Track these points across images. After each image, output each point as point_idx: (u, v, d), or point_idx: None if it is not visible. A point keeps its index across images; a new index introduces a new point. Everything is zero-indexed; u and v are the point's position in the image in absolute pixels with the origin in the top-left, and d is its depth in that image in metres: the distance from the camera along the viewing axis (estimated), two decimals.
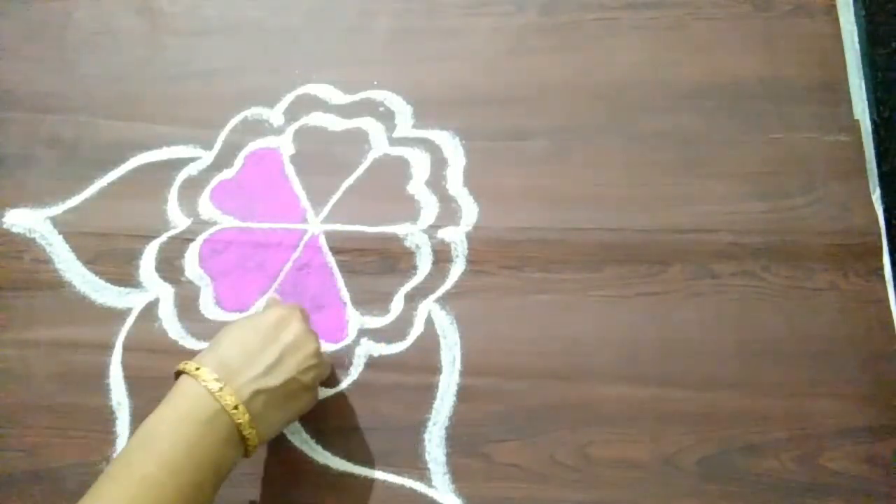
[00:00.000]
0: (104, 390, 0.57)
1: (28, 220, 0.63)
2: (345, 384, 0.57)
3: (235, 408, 0.43)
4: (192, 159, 0.64)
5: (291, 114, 0.65)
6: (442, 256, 0.60)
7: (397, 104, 0.65)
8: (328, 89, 0.66)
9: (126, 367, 0.58)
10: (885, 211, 0.58)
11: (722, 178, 0.60)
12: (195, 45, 0.68)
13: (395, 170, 0.63)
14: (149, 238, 0.62)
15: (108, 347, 0.58)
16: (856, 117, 0.61)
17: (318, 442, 0.56)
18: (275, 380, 0.46)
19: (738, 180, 0.60)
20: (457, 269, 0.60)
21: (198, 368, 0.44)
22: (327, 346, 0.58)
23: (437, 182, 0.62)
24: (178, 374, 0.46)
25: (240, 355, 0.46)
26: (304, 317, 0.51)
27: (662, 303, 0.57)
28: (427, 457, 0.55)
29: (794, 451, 0.53)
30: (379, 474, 0.54)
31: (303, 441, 0.56)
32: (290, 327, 0.48)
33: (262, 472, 0.55)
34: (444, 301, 0.59)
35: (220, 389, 0.43)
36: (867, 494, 0.52)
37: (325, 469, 0.55)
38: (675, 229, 0.59)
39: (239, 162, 0.64)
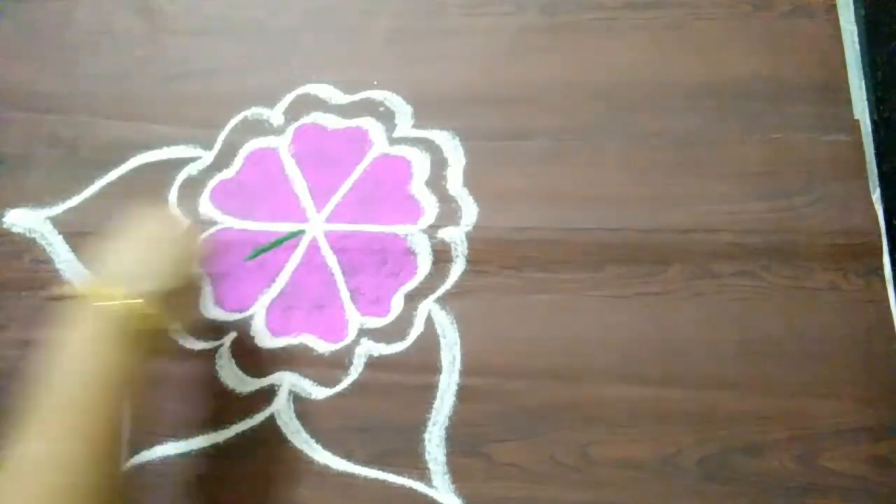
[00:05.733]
0: None
1: (28, 220, 0.63)
2: (345, 384, 0.57)
3: None
4: (192, 159, 0.64)
5: (291, 114, 0.65)
6: (442, 256, 0.60)
7: (397, 104, 0.65)
8: (328, 89, 0.66)
9: None
10: (885, 211, 0.58)
11: (722, 178, 0.60)
12: (195, 45, 0.68)
13: (395, 170, 0.63)
14: None
15: None
16: (856, 117, 0.61)
17: (318, 442, 0.56)
18: None
19: (738, 180, 0.60)
20: (457, 269, 0.60)
21: None
22: (328, 346, 0.58)
23: (437, 182, 0.62)
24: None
25: None
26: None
27: (662, 303, 0.57)
28: (427, 457, 0.55)
29: (794, 451, 0.53)
30: (379, 474, 0.54)
31: (303, 441, 0.56)
32: None
33: (262, 472, 0.55)
34: (444, 301, 0.59)
35: None
36: (867, 494, 0.52)
37: (325, 469, 0.55)
38: (675, 229, 0.59)
39: (239, 162, 0.64)
